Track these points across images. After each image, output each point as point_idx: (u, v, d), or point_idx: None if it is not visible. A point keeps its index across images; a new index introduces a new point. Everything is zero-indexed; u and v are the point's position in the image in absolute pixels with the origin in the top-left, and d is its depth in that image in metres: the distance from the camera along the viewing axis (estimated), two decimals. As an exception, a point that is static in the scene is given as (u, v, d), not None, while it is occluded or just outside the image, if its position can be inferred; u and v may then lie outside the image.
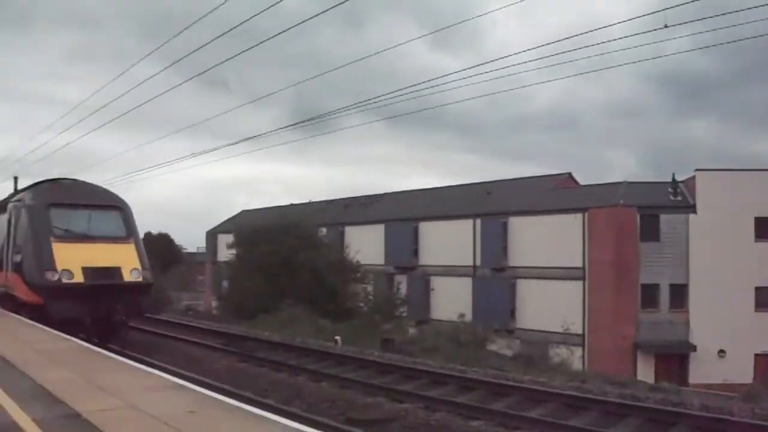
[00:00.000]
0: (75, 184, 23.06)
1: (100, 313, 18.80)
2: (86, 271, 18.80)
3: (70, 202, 20.71)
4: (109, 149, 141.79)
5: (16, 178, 49.53)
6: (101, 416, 7.13)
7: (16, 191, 25.77)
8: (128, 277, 19.56)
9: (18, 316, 18.99)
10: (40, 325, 17.18)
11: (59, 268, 18.58)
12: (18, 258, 20.19)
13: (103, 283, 18.86)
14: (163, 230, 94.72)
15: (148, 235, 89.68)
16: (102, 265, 19.16)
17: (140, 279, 19.93)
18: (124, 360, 12.07)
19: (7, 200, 24.06)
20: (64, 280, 18.50)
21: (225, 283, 51.25)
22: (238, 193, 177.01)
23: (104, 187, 23.97)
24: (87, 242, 19.64)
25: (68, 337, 15.53)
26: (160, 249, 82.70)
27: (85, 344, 14.36)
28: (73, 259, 18.83)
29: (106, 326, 19.31)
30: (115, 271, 19.38)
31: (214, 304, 56.74)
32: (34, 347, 13.10)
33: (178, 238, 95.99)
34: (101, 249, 19.64)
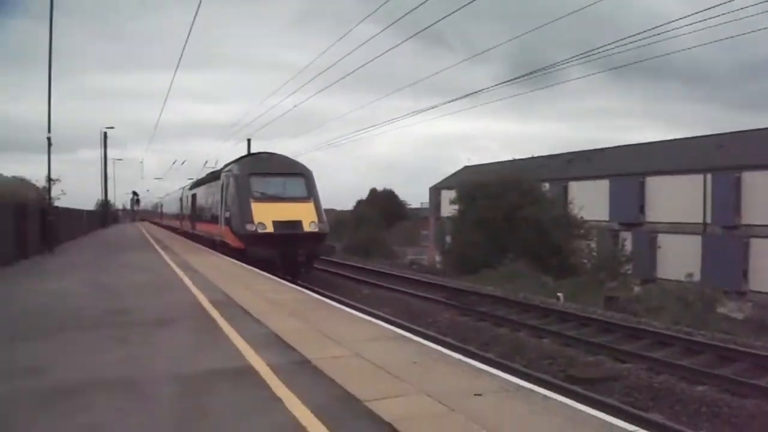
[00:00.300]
0: (270, 156, 29.25)
1: (287, 255, 24.43)
2: (276, 223, 24.83)
3: (266, 171, 27.01)
4: (334, 110, 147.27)
5: (249, 140, 54.35)
6: (329, 363, 7.77)
7: (229, 162, 31.51)
8: (307, 228, 25.18)
9: (250, 267, 22.14)
10: (269, 275, 19.73)
11: (256, 221, 24.91)
12: (228, 214, 27.02)
13: (287, 232, 24.75)
14: (388, 186, 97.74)
15: (372, 191, 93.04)
16: (287, 219, 25.06)
17: (317, 230, 25.47)
18: (349, 311, 12.75)
19: (220, 171, 31.16)
20: (259, 231, 24.75)
21: (448, 238, 52.24)
22: (460, 149, 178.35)
23: (292, 157, 30.02)
24: (277, 202, 25.71)
25: (296, 287, 17.14)
26: (384, 205, 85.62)
27: (313, 295, 15.52)
28: (266, 215, 25.04)
29: (293, 265, 24.76)
30: (297, 224, 25.07)
31: (437, 258, 57.91)
32: (265, 297, 14.37)
33: (402, 194, 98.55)
34: (288, 207, 25.55)
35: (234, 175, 26.89)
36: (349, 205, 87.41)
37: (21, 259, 24.73)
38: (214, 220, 30.41)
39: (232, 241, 26.16)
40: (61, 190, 34.30)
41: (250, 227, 24.84)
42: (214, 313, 11.79)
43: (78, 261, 25.54)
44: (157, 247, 34.19)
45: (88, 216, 58.42)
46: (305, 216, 25.33)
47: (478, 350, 15.24)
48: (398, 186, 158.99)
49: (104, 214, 76.39)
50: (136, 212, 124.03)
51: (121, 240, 44.89)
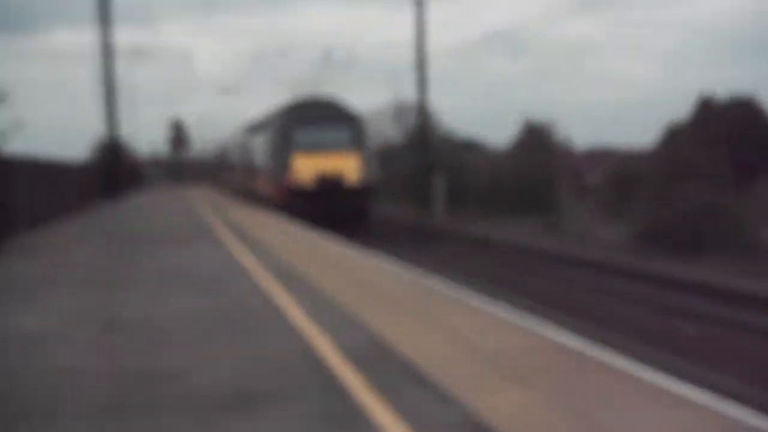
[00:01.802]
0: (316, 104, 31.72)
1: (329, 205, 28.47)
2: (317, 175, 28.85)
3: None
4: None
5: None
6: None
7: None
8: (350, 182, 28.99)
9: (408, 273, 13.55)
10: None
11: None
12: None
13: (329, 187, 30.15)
14: (718, 83, 77.41)
15: (700, 101, 73.99)
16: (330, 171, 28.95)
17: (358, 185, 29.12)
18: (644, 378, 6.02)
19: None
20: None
21: None
22: None
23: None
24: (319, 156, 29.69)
25: (529, 323, 8.79)
26: (729, 127, 64.20)
27: (560, 340, 7.52)
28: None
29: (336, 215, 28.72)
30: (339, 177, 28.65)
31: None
32: (463, 343, 7.37)
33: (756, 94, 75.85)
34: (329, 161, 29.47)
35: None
36: (641, 129, 56.78)
37: None
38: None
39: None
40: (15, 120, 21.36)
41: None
42: (351, 379, 5.97)
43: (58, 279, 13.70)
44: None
45: (80, 174, 34.61)
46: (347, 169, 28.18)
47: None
48: (738, 82, 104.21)
49: (113, 170, 46.29)
50: (181, 164, 79.42)
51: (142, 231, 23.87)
